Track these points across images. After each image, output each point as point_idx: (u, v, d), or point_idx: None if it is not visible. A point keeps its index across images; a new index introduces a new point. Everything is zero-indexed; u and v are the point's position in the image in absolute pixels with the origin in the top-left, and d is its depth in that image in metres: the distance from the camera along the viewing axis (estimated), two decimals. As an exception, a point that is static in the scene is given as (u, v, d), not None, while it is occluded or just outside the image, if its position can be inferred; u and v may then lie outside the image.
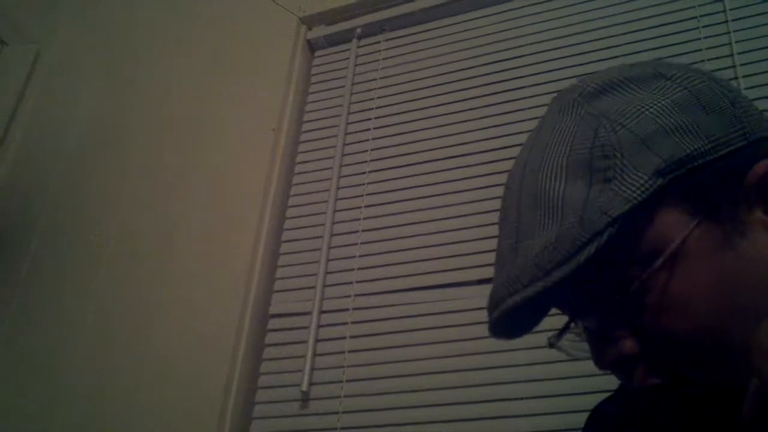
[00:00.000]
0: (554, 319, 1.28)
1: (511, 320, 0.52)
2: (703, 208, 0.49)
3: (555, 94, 0.59)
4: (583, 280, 0.49)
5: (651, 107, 0.51)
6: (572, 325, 0.57)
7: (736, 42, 1.40)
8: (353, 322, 1.45)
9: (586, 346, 0.56)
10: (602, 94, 0.53)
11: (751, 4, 1.43)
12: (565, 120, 0.54)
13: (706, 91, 0.52)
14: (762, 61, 1.37)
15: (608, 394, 0.69)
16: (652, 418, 0.59)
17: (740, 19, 1.43)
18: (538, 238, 0.50)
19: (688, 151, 0.48)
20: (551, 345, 0.58)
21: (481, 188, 1.48)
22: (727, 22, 1.43)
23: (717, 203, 0.49)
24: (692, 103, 0.51)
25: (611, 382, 0.69)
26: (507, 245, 0.54)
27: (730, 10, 1.44)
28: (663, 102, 0.51)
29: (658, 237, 0.49)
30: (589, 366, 1.27)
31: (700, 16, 1.46)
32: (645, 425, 0.60)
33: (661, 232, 0.49)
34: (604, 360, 0.52)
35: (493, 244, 1.48)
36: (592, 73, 0.59)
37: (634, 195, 0.48)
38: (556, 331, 0.58)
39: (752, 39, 1.40)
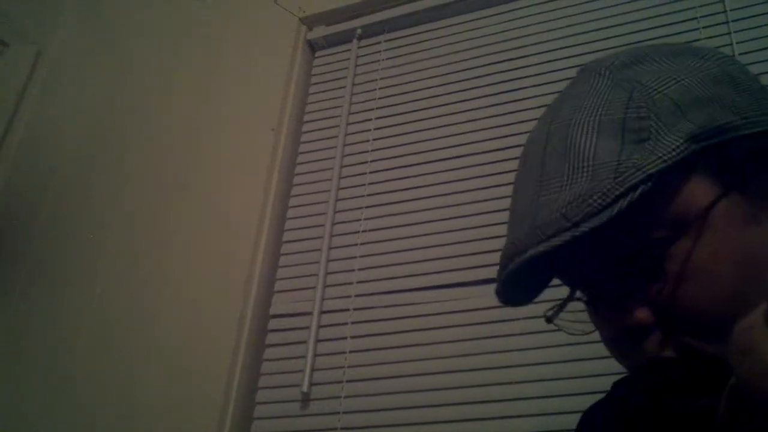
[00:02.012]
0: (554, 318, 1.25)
1: (522, 278, 0.52)
2: (731, 181, 0.49)
3: (581, 67, 0.58)
4: (605, 239, 0.48)
5: (686, 78, 0.51)
6: (568, 302, 0.56)
7: (736, 43, 1.40)
8: (354, 323, 1.45)
9: (582, 324, 0.56)
10: (635, 65, 0.53)
11: (751, 4, 1.43)
12: (597, 83, 0.53)
13: (737, 72, 0.53)
14: (762, 61, 1.37)
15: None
16: (641, 421, 0.59)
17: (740, 20, 1.43)
18: (564, 191, 0.49)
19: (722, 122, 0.49)
20: (548, 320, 0.57)
21: (482, 188, 1.48)
22: (727, 23, 1.43)
23: (745, 178, 0.49)
24: (726, 80, 0.52)
25: (611, 382, 0.69)
26: (527, 201, 0.52)
27: (731, 10, 1.44)
28: (698, 75, 0.52)
29: (686, 204, 0.48)
30: (590, 366, 1.27)
31: (700, 17, 1.47)
32: (635, 428, 0.60)
33: (689, 199, 0.49)
34: (615, 329, 0.51)
35: (495, 243, 1.49)
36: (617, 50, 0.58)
37: (668, 156, 0.47)
38: (553, 307, 0.57)
39: (752, 39, 1.40)
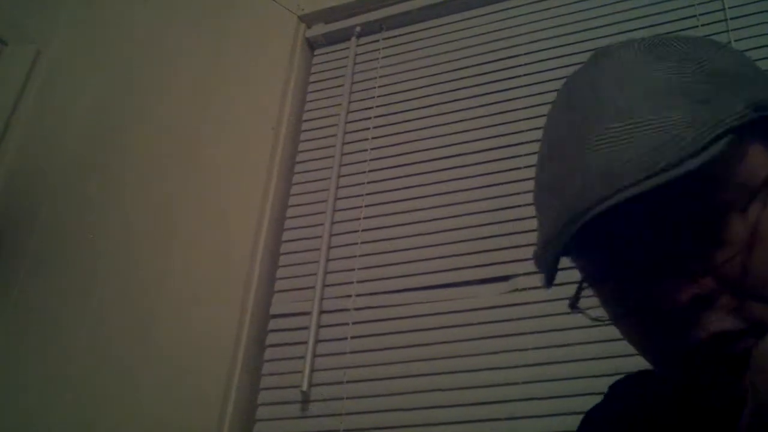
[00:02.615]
0: (557, 318, 1.27)
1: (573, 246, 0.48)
2: None
3: (598, 52, 0.55)
4: (667, 200, 0.46)
5: (731, 57, 0.52)
6: (582, 289, 0.54)
7: (735, 41, 1.40)
8: (354, 323, 1.45)
9: (602, 311, 0.53)
10: (664, 46, 0.52)
11: (750, 4, 1.43)
12: (635, 58, 0.51)
13: (750, 61, 0.54)
14: (761, 59, 1.37)
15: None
16: (648, 424, 0.59)
17: (739, 17, 1.43)
18: (636, 144, 0.46)
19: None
20: (572, 307, 0.55)
21: (483, 187, 1.48)
22: (726, 20, 1.43)
23: None
24: (750, 64, 0.53)
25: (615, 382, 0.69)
26: (577, 161, 0.48)
27: (729, 8, 1.44)
28: (739, 56, 0.52)
29: (752, 169, 0.47)
30: (593, 367, 1.26)
31: (700, 14, 1.47)
32: (641, 431, 0.60)
33: (754, 165, 0.47)
34: (672, 301, 0.46)
35: (496, 242, 1.49)
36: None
37: (730, 119, 0.46)
38: (572, 297, 0.55)
39: (751, 37, 1.40)
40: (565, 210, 0.47)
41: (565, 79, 0.56)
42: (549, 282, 0.52)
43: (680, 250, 0.47)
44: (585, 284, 0.53)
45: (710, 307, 0.46)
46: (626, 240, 0.48)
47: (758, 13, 1.42)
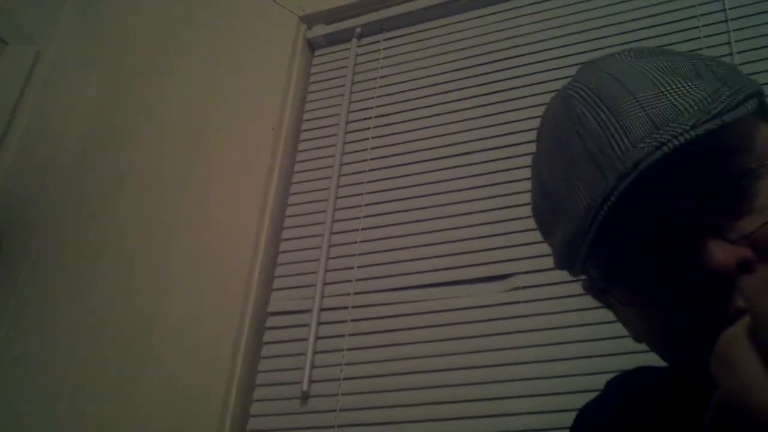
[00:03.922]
0: (556, 317, 1.26)
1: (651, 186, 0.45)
2: None
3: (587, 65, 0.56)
4: (715, 156, 0.45)
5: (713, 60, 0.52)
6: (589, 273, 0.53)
7: (735, 41, 1.40)
8: (353, 320, 1.45)
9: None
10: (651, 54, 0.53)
11: (750, 4, 1.43)
12: (634, 59, 0.51)
13: None
14: (761, 60, 1.37)
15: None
16: (644, 420, 0.59)
17: (740, 18, 1.43)
18: (660, 108, 0.46)
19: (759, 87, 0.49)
20: (602, 293, 0.54)
21: (482, 186, 1.48)
22: (727, 21, 1.43)
23: None
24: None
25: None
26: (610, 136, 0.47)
27: (730, 9, 1.44)
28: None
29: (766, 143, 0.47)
30: (590, 364, 1.27)
31: (700, 15, 1.47)
32: (636, 427, 0.59)
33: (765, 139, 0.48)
34: (725, 259, 0.43)
35: (496, 241, 1.48)
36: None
37: (751, 87, 0.47)
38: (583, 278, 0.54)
39: (752, 38, 1.40)
40: (612, 172, 0.45)
41: (560, 96, 0.54)
42: (582, 262, 0.49)
43: (719, 214, 0.45)
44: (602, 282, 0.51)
45: (744, 276, 0.44)
46: (666, 205, 0.46)
47: (759, 14, 1.42)
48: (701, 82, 0.47)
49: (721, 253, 0.44)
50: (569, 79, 0.54)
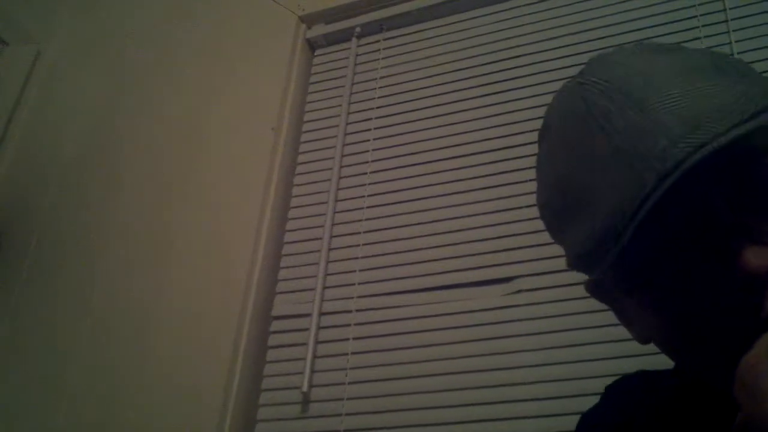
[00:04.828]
0: (559, 320, 1.26)
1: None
2: None
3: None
4: (750, 158, 0.45)
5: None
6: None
7: (735, 41, 1.40)
8: (356, 324, 1.45)
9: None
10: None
11: (751, 4, 1.43)
12: (654, 51, 0.51)
13: None
14: (762, 60, 1.37)
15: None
16: (645, 424, 0.58)
17: (740, 18, 1.43)
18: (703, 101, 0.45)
19: None
20: (592, 291, 0.54)
21: (486, 188, 1.48)
22: (727, 21, 1.43)
23: None
24: None
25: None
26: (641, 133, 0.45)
27: (730, 9, 1.44)
28: None
29: None
30: (593, 367, 1.26)
31: (700, 15, 1.47)
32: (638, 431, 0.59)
33: None
34: (759, 265, 0.42)
35: (496, 244, 1.48)
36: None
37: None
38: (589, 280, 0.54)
39: (752, 38, 1.40)
40: (650, 172, 0.43)
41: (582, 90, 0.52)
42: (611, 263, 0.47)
43: (753, 217, 0.45)
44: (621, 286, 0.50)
45: None
46: (699, 207, 0.45)
47: (759, 14, 1.42)
48: (729, 81, 0.46)
49: (755, 257, 0.43)
50: (579, 73, 0.53)
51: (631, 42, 1.49)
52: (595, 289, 0.56)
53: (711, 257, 0.45)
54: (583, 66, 0.55)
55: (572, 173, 0.49)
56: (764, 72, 1.38)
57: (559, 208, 0.52)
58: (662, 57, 0.50)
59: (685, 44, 1.43)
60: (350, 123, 1.69)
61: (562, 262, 0.54)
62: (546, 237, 0.57)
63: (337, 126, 1.69)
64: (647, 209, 0.43)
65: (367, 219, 1.55)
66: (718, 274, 0.44)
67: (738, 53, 1.39)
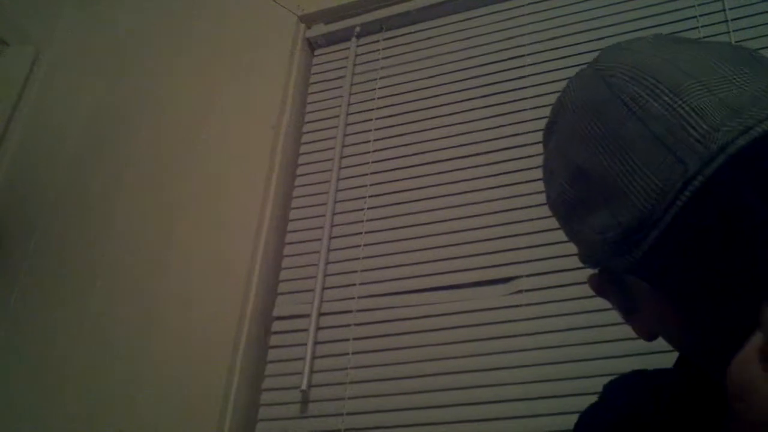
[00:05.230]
0: (559, 320, 1.25)
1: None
2: None
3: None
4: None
5: None
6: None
7: (735, 42, 1.40)
8: (357, 324, 1.45)
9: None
10: None
11: (750, 4, 1.43)
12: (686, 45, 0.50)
13: None
14: (762, 60, 1.37)
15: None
16: (644, 423, 0.58)
17: (740, 18, 1.43)
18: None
19: None
20: (598, 287, 0.53)
21: (488, 189, 1.48)
22: (727, 21, 1.43)
23: None
24: None
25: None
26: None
27: (730, 9, 1.44)
28: None
29: None
30: (593, 367, 1.26)
31: (700, 15, 1.47)
32: (636, 430, 0.59)
33: None
34: None
35: (496, 244, 1.47)
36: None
37: None
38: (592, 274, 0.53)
39: (752, 39, 1.40)
40: (692, 156, 0.42)
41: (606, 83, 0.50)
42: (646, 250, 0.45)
43: None
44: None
45: None
46: (733, 196, 0.44)
47: (759, 14, 1.42)
48: (755, 71, 0.45)
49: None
50: (594, 61, 0.52)
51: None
52: (600, 283, 0.54)
53: (741, 249, 0.44)
54: (582, 66, 0.54)
55: (596, 160, 0.48)
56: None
57: (578, 198, 0.50)
58: (683, 47, 0.49)
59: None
60: (350, 123, 1.69)
61: (562, 263, 0.54)
62: (546, 237, 0.57)
63: (336, 126, 1.69)
64: (692, 191, 0.42)
65: (367, 219, 1.55)
66: (747, 265, 0.43)
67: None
